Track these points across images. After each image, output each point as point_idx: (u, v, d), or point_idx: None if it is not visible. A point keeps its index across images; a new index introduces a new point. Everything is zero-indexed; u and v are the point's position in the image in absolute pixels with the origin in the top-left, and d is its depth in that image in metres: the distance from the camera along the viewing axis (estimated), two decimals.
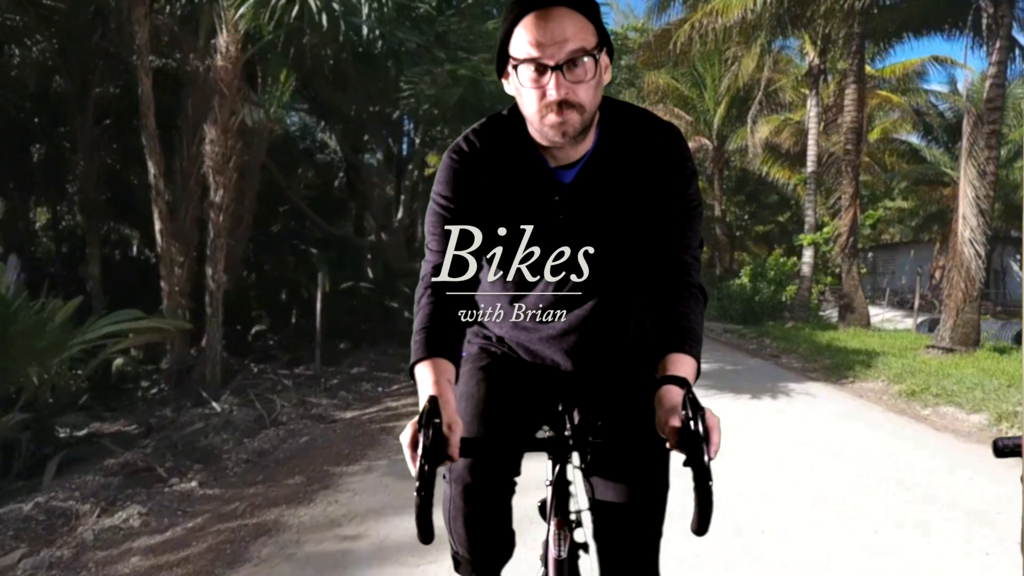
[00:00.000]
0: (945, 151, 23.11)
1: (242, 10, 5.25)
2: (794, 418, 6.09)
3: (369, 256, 12.79)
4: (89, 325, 4.74)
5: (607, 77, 1.20)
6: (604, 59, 1.18)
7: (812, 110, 16.18)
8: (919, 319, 14.87)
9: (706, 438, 0.97)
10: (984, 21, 10.37)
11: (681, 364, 1.13)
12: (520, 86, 1.17)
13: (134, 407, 6.06)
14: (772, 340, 12.59)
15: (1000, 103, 10.45)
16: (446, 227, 1.26)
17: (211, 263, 6.24)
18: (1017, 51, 12.03)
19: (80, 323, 5.11)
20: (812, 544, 3.06)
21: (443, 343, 1.18)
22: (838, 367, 9.03)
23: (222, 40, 5.68)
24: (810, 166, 16.01)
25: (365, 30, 5.35)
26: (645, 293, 1.32)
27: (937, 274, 23.48)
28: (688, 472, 0.99)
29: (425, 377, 1.13)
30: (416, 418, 1.02)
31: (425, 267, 1.28)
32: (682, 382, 1.09)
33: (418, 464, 0.97)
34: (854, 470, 4.28)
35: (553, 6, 1.13)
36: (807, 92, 16.88)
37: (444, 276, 1.25)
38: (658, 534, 1.35)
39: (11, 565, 2.85)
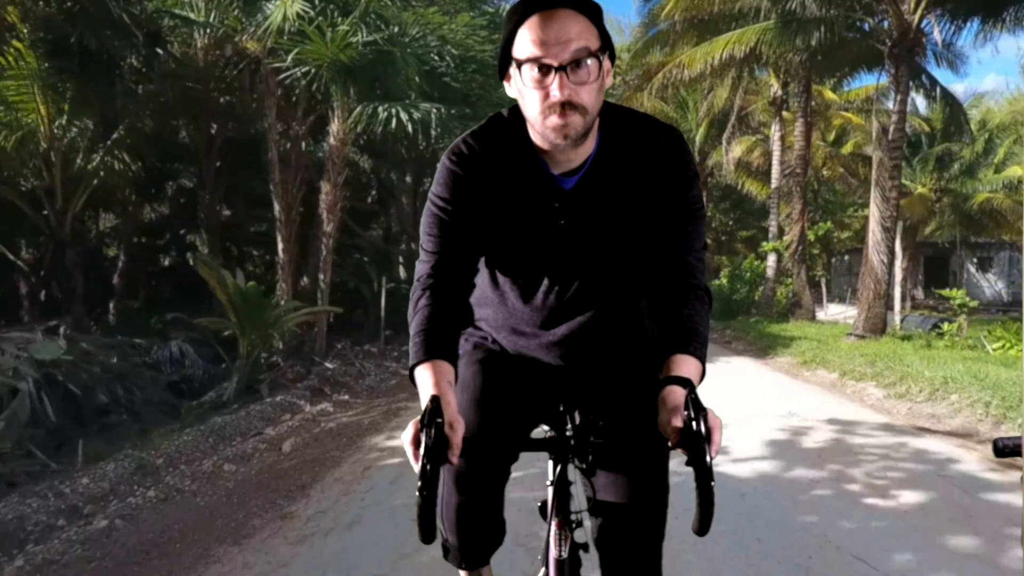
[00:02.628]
0: (907, 164, 26.34)
1: (353, 115, 8.42)
2: (717, 375, 9.37)
3: (401, 260, 16.03)
4: (277, 309, 7.93)
5: (608, 81, 1.21)
6: (606, 63, 1.20)
7: (776, 134, 19.40)
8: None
9: (708, 438, 1.00)
10: (889, 76, 13.58)
11: (685, 365, 1.16)
12: (523, 87, 1.18)
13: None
14: (732, 330, 15.85)
15: (901, 143, 13.67)
16: (443, 229, 1.28)
17: (323, 271, 9.47)
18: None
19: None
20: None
21: (442, 345, 1.19)
22: (766, 348, 12.30)
23: (335, 126, 8.86)
24: (774, 182, 19.22)
25: (432, 134, 8.41)
26: (648, 295, 1.35)
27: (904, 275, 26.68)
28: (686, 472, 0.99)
29: (426, 379, 1.14)
30: (418, 418, 1.04)
31: (421, 268, 1.29)
32: (685, 382, 1.10)
33: (420, 463, 0.99)
34: (742, 393, 7.48)
35: (558, 7, 1.15)
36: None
37: (441, 278, 1.26)
38: (660, 535, 1.37)
39: (286, 431, 6.08)
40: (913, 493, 3.94)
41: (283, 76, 8.43)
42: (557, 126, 1.16)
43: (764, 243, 19.70)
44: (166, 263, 17.40)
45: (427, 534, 1.04)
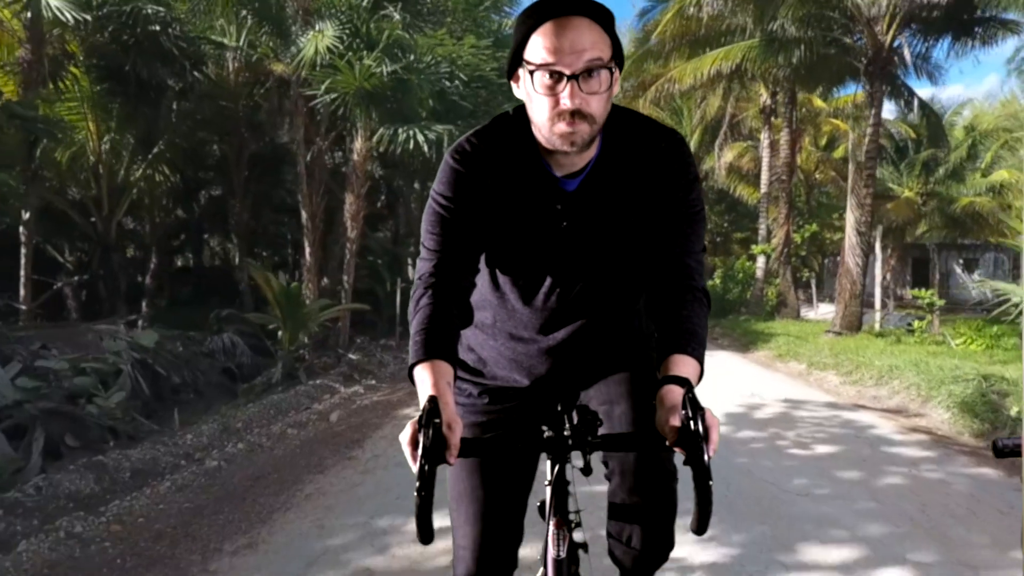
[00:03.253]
0: (895, 169, 27.52)
1: (376, 136, 9.59)
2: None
3: (410, 261, 17.23)
4: (312, 306, 9.11)
5: (616, 89, 1.22)
6: (616, 72, 1.21)
7: (765, 142, 20.59)
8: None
9: (705, 437, 1.02)
10: (865, 91, 14.78)
11: (683, 365, 1.18)
12: (533, 92, 1.19)
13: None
14: (720, 328, 17.05)
15: (875, 155, 14.86)
16: (444, 227, 1.29)
17: (346, 272, 10.68)
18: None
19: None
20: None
21: (442, 345, 1.20)
22: (748, 343, 13.50)
23: (358, 144, 10.05)
24: (763, 187, 20.42)
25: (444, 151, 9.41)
26: (646, 296, 1.38)
27: (888, 276, 27.89)
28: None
29: (424, 379, 1.16)
30: (416, 418, 1.05)
31: (422, 266, 1.31)
32: (683, 382, 1.13)
33: (418, 463, 1.00)
34: (716, 380, 8.69)
35: (573, 15, 1.16)
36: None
37: (441, 277, 1.27)
38: (670, 532, 1.41)
39: (330, 406, 7.28)
40: (828, 447, 5.14)
41: (314, 102, 9.62)
42: (565, 133, 1.18)
43: (753, 245, 20.89)
44: (180, 264, 18.68)
45: (425, 534, 1.05)
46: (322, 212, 11.10)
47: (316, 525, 3.43)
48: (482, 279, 1.41)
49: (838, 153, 27.76)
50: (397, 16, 9.84)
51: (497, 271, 1.40)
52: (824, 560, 3.02)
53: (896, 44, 14.46)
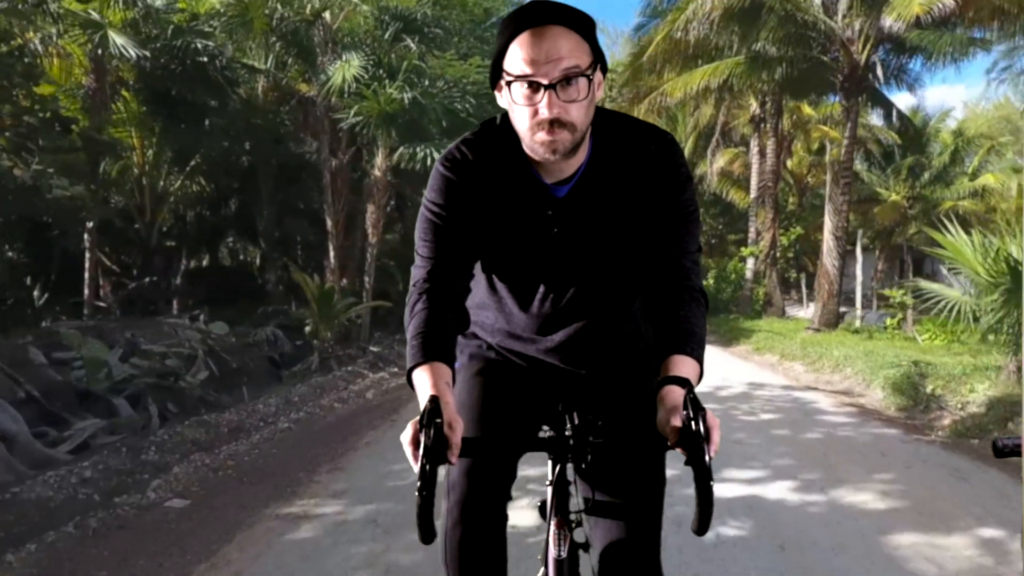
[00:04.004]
0: (882, 173, 28.88)
1: (396, 155, 10.95)
2: None
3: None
4: (340, 303, 10.46)
5: (600, 94, 1.24)
6: (598, 76, 1.23)
7: (754, 148, 21.94)
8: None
9: (706, 437, 1.04)
10: (842, 104, 16.13)
11: (683, 365, 1.20)
12: (513, 103, 1.22)
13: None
14: (710, 325, 18.31)
15: (850, 165, 16.21)
16: (437, 234, 1.32)
17: (368, 274, 12.04)
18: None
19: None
20: None
21: (439, 348, 1.23)
22: (732, 338, 14.87)
23: (379, 160, 11.41)
24: (753, 192, 21.77)
25: None
26: (642, 298, 1.41)
27: (874, 276, 29.26)
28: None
29: (424, 380, 1.19)
30: (417, 418, 1.07)
31: (417, 273, 1.33)
32: (683, 382, 1.15)
33: (419, 463, 1.02)
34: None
35: (549, 24, 1.17)
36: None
37: (436, 283, 1.30)
38: (657, 534, 1.40)
39: (364, 387, 8.64)
40: (771, 415, 6.49)
41: (341, 124, 10.99)
42: (545, 142, 1.20)
43: (743, 248, 22.26)
44: (205, 264, 20.01)
45: (426, 534, 1.07)
46: (344, 218, 12.46)
47: (379, 458, 4.80)
48: (480, 283, 1.46)
49: (831, 156, 29.21)
50: (414, 47, 11.21)
51: (493, 276, 1.44)
52: (739, 476, 4.38)
53: (871, 61, 15.76)
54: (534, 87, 1.18)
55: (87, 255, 10.44)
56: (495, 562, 1.41)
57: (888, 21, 13.48)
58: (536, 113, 1.19)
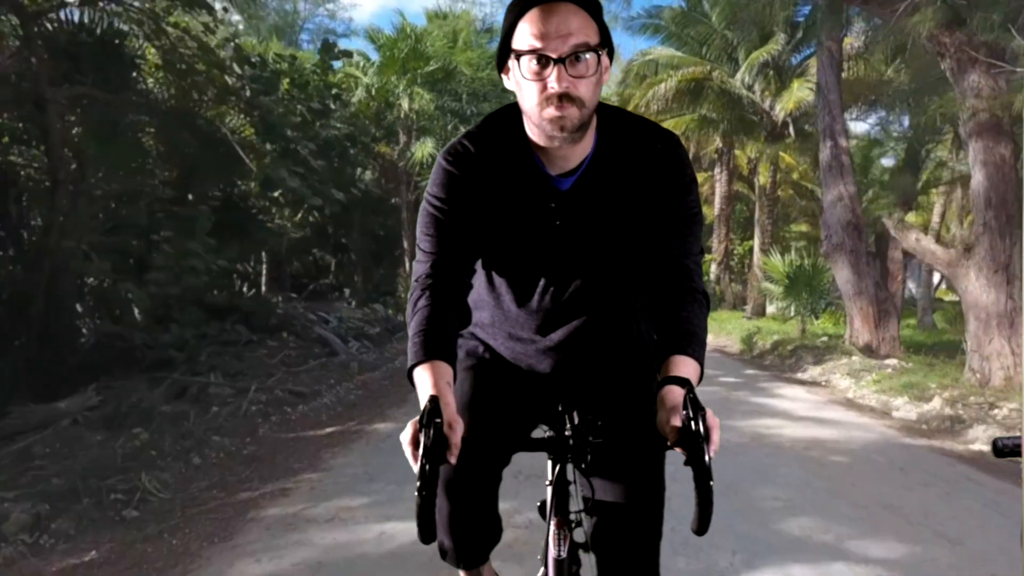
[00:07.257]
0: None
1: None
2: None
3: None
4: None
5: (607, 77, 1.28)
6: (605, 59, 1.26)
7: (718, 175, 28.35)
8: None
9: (706, 437, 1.06)
10: (767, 153, 22.52)
11: (683, 365, 1.23)
12: (521, 78, 1.25)
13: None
14: None
15: (775, 195, 22.61)
16: (439, 229, 1.35)
17: None
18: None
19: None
20: None
21: (441, 346, 1.27)
22: None
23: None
24: (716, 210, 28.19)
25: None
26: (644, 298, 1.43)
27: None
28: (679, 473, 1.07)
29: (424, 379, 1.22)
30: (417, 418, 1.09)
31: (419, 268, 1.37)
32: (684, 382, 1.17)
33: (419, 463, 1.04)
34: None
35: (558, 1, 1.22)
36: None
37: (439, 277, 1.34)
38: (658, 534, 1.44)
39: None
40: None
41: (416, 180, 17.51)
42: (554, 117, 1.24)
43: (707, 255, 28.74)
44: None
45: (427, 534, 1.10)
46: (412, 239, 19.06)
47: None
48: (478, 280, 1.51)
49: (798, 175, 35.50)
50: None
51: (493, 272, 1.48)
52: None
53: (786, 121, 22.13)
54: (543, 62, 1.23)
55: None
56: (488, 525, 1.56)
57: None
58: (545, 88, 1.23)
